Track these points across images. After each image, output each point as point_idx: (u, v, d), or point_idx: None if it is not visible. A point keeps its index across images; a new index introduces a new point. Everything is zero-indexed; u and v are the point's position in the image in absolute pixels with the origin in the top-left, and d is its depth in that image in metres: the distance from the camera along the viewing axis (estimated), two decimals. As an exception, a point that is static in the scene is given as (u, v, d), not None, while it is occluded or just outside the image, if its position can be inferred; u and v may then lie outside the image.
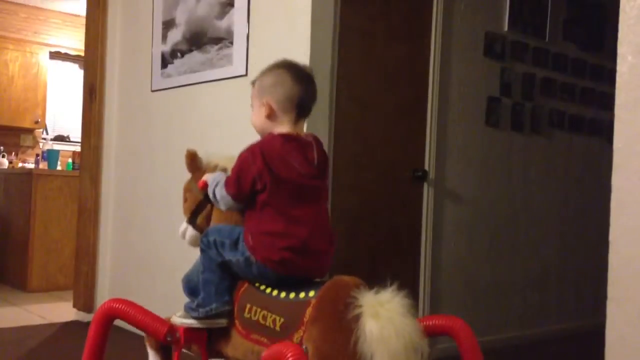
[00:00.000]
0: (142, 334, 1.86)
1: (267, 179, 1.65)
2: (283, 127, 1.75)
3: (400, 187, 3.13)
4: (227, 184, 1.72)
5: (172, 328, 1.73)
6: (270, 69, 1.82)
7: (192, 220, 1.94)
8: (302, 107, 1.78)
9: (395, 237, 3.11)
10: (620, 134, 1.46)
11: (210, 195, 1.79)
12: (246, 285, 1.71)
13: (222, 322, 1.71)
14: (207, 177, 1.84)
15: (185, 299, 1.83)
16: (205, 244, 1.75)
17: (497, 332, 3.53)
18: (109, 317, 1.76)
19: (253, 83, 1.83)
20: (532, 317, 3.80)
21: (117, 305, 1.75)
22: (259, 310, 1.63)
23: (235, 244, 1.69)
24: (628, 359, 1.40)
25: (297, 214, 1.65)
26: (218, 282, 1.72)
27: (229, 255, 1.70)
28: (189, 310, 1.75)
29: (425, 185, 3.21)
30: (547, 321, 3.89)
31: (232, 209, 1.77)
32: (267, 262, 1.64)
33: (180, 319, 1.76)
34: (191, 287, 1.81)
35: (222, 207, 1.77)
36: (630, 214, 1.42)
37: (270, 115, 1.75)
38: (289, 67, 1.80)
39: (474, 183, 3.48)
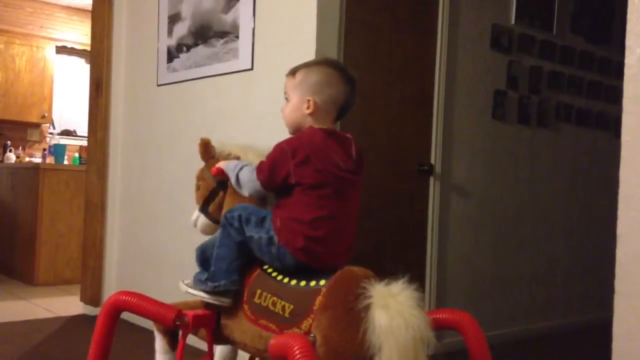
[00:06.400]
0: (149, 326, 1.86)
1: (304, 174, 1.63)
2: (322, 125, 1.73)
3: (407, 181, 3.12)
4: (260, 169, 1.71)
5: (180, 313, 1.73)
6: (317, 65, 1.77)
7: (204, 209, 1.94)
8: (344, 110, 1.77)
9: (401, 231, 3.11)
10: (628, 127, 1.45)
11: (233, 178, 1.78)
12: (258, 271, 1.71)
13: (227, 301, 1.71)
14: (222, 164, 1.83)
15: (195, 270, 1.83)
16: (229, 219, 1.73)
17: (504, 326, 3.53)
18: (116, 310, 1.77)
19: (293, 74, 1.78)
20: (538, 311, 3.79)
21: (125, 297, 1.76)
22: (269, 296, 1.64)
23: (261, 222, 1.69)
24: (635, 353, 1.40)
25: (331, 209, 1.64)
26: (231, 260, 1.71)
27: (251, 232, 1.69)
28: (197, 282, 1.75)
29: (432, 179, 3.20)
30: (553, 315, 3.89)
31: (255, 195, 1.76)
32: (290, 247, 1.63)
33: (187, 288, 1.76)
34: (204, 258, 1.80)
35: (246, 191, 1.76)
36: (638, 208, 1.42)
37: (313, 113, 1.72)
38: (338, 68, 1.76)
39: (480, 177, 3.47)
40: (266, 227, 1.68)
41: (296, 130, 1.78)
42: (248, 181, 1.74)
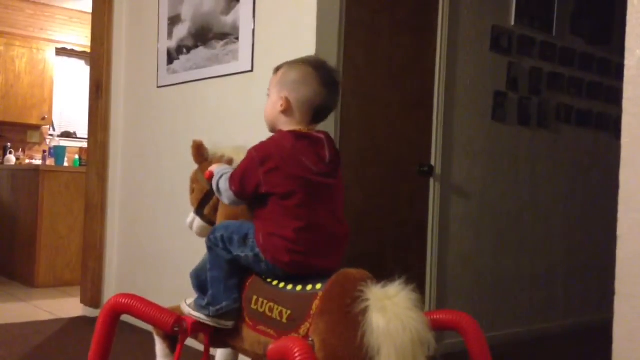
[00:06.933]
0: (149, 328, 1.86)
1: (274, 183, 1.60)
2: (295, 126, 1.69)
3: (407, 182, 3.12)
4: (232, 179, 1.69)
5: (179, 319, 1.73)
6: (298, 63, 1.73)
7: (199, 211, 1.93)
8: (319, 113, 1.72)
9: (401, 232, 3.11)
10: (628, 128, 1.46)
11: (214, 187, 1.76)
12: (253, 276, 1.70)
13: (229, 324, 1.70)
14: (214, 168, 1.81)
15: (193, 293, 1.83)
16: (213, 241, 1.72)
17: (504, 327, 3.52)
18: (115, 312, 1.77)
19: (276, 70, 1.75)
20: (538, 312, 3.79)
21: (124, 300, 1.75)
22: (265, 302, 1.63)
23: (244, 240, 1.67)
24: (636, 354, 1.40)
25: (309, 216, 1.61)
26: (226, 279, 1.70)
27: (237, 251, 1.68)
28: (199, 308, 1.73)
29: (432, 181, 3.20)
30: (553, 316, 3.88)
31: (235, 204, 1.75)
32: (277, 263, 1.62)
33: (190, 310, 1.75)
34: (200, 283, 1.79)
35: (225, 200, 1.74)
36: (638, 208, 1.42)
37: (286, 112, 1.69)
38: (318, 68, 1.70)
39: (481, 178, 3.47)
40: (250, 244, 1.66)
41: (273, 129, 1.75)
42: (224, 191, 1.71)
